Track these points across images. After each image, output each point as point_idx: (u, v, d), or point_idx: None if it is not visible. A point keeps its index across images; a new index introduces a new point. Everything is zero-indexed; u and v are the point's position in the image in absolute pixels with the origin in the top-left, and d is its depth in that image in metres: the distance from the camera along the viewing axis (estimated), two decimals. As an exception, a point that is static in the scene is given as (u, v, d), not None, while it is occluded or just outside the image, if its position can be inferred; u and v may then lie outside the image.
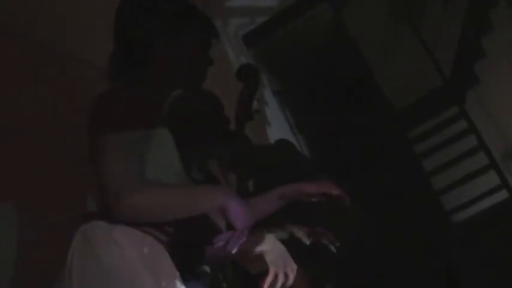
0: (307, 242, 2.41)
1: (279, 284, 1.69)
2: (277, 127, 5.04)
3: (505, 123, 5.61)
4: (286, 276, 1.70)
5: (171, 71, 1.75)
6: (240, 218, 1.59)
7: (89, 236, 1.54)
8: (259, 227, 2.00)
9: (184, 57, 1.76)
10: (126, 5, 1.78)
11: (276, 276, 1.68)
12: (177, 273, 1.58)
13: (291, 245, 2.19)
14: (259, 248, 1.70)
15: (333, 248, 2.31)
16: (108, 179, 1.48)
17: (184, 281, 1.60)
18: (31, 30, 2.47)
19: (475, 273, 4.82)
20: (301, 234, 2.38)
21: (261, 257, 1.70)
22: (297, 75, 5.73)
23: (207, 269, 1.79)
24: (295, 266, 1.76)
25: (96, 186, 1.53)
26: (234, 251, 1.51)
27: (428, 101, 5.64)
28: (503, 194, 5.29)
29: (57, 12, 2.66)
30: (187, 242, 1.68)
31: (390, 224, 4.91)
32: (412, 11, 5.70)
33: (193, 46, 1.79)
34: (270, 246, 1.73)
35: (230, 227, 1.64)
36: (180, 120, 2.55)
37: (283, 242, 1.89)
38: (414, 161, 5.57)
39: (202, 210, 1.62)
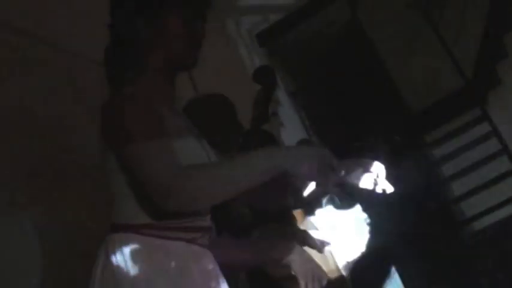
0: (322, 251, 2.40)
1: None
2: (292, 128, 5.00)
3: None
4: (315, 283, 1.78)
5: (161, 54, 1.66)
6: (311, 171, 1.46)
7: (109, 248, 1.52)
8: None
9: (168, 37, 1.66)
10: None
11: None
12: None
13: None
14: (287, 257, 1.73)
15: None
16: (155, 177, 1.44)
17: None
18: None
19: (495, 282, 4.75)
20: (314, 243, 2.38)
21: (287, 265, 1.75)
22: (312, 74, 5.66)
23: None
24: (324, 274, 1.83)
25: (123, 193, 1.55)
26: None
27: (448, 102, 5.52)
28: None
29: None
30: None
31: (405, 229, 4.86)
32: (432, 10, 5.60)
33: (176, 23, 1.67)
34: (297, 255, 1.78)
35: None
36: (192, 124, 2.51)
37: None
38: (433, 165, 5.47)
39: (263, 176, 1.47)
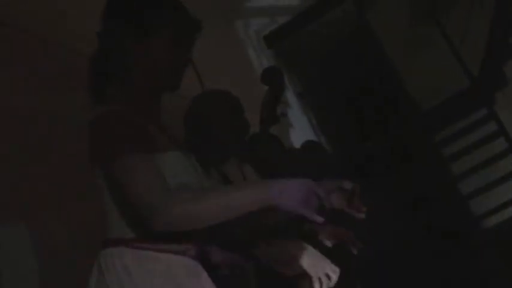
0: (330, 244, 2.41)
1: (325, 286, 1.78)
2: (300, 129, 5.00)
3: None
4: (328, 277, 1.80)
5: (145, 73, 1.66)
6: (296, 201, 1.45)
7: (102, 264, 1.54)
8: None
9: (153, 56, 1.66)
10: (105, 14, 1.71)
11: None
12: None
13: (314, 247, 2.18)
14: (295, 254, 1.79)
15: (355, 250, 2.40)
16: (141, 194, 1.45)
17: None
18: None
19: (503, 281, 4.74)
20: (323, 236, 2.41)
21: (298, 264, 1.79)
22: (320, 75, 5.66)
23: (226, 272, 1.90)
24: (335, 267, 1.83)
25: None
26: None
27: (455, 102, 5.52)
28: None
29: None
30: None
31: (415, 227, 4.86)
32: (438, 10, 5.59)
33: (163, 44, 1.66)
34: (304, 252, 1.82)
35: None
36: (199, 121, 2.52)
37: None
38: (442, 164, 5.46)
39: (249, 209, 1.48)
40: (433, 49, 5.52)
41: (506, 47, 5.18)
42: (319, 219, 1.43)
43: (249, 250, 1.87)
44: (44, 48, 2.64)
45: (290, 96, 5.24)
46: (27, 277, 2.23)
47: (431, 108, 5.60)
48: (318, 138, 5.44)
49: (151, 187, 1.45)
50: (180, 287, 1.53)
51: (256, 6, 5.17)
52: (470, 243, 5.04)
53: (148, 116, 1.64)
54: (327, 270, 1.81)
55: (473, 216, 5.36)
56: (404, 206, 4.90)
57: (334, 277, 1.82)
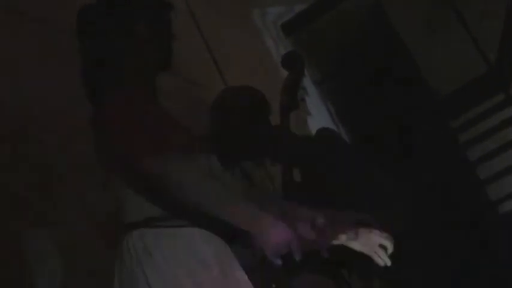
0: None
1: (389, 250, 1.76)
2: (319, 117, 5.01)
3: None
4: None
5: (134, 61, 1.76)
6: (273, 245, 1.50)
7: (124, 248, 1.61)
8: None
9: (137, 43, 1.76)
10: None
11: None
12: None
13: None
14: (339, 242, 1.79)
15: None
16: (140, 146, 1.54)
17: None
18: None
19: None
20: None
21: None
22: (338, 64, 5.66)
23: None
24: (383, 233, 1.80)
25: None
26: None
27: (473, 88, 5.51)
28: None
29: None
30: None
31: (431, 214, 4.85)
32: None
33: (143, 28, 1.77)
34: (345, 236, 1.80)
35: None
36: (221, 117, 2.56)
37: None
38: (458, 150, 5.46)
39: (225, 215, 1.54)
40: (450, 34, 5.51)
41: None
42: (279, 262, 1.48)
43: None
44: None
45: (308, 84, 5.24)
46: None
47: (450, 93, 5.60)
48: (336, 126, 5.44)
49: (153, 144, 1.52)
50: (198, 255, 1.58)
51: (273, -5, 5.19)
52: (487, 229, 5.03)
53: (147, 100, 1.73)
54: (379, 241, 1.79)
55: (490, 202, 5.36)
56: (421, 193, 4.90)
57: (389, 243, 1.79)
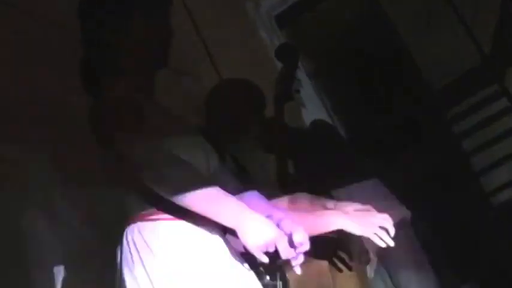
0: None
1: (391, 232, 1.73)
2: (313, 110, 4.99)
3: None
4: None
5: (132, 56, 1.75)
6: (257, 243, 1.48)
7: (124, 241, 1.61)
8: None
9: (134, 39, 1.75)
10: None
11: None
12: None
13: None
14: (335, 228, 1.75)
15: None
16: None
17: None
18: None
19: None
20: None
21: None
22: (332, 55, 5.66)
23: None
24: (381, 214, 1.78)
25: None
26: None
27: (467, 79, 5.51)
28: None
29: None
30: None
31: (429, 205, 4.86)
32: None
33: (140, 24, 1.76)
34: (346, 222, 1.76)
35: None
36: (216, 109, 2.56)
37: None
38: (454, 141, 5.47)
39: (213, 214, 1.53)
40: (444, 26, 5.51)
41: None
42: (266, 259, 1.46)
43: None
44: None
45: (302, 76, 5.23)
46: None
47: (444, 85, 5.61)
48: (331, 118, 5.43)
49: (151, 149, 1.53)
50: (196, 247, 1.58)
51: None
52: (483, 219, 5.05)
53: (143, 96, 1.72)
54: (377, 223, 1.76)
55: (485, 192, 5.37)
56: (418, 185, 4.91)
57: (388, 224, 1.76)
